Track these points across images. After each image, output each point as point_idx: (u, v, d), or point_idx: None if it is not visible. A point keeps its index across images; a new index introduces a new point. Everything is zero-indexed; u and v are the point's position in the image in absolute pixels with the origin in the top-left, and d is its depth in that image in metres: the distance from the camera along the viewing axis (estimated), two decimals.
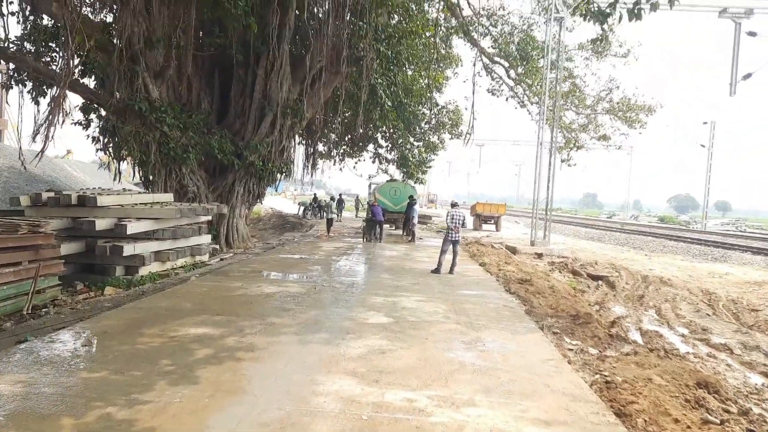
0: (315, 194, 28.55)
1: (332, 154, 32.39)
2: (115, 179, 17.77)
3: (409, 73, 23.11)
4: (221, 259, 13.74)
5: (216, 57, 17.21)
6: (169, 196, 14.01)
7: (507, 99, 23.90)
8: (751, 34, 19.20)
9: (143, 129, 14.14)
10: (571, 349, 6.11)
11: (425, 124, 30.05)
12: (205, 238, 13.49)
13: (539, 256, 18.44)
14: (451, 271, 11.55)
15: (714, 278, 15.05)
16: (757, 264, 18.31)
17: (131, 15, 12.46)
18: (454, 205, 11.92)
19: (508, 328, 6.86)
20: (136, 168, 16.31)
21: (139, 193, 14.00)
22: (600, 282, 13.51)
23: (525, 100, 23.48)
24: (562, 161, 25.35)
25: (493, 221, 31.10)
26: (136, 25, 13.00)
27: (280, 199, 61.25)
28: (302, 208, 33.15)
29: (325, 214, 20.70)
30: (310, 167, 27.47)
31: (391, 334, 6.24)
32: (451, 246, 11.66)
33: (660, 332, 8.09)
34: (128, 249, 10.41)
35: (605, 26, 9.56)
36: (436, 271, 11.53)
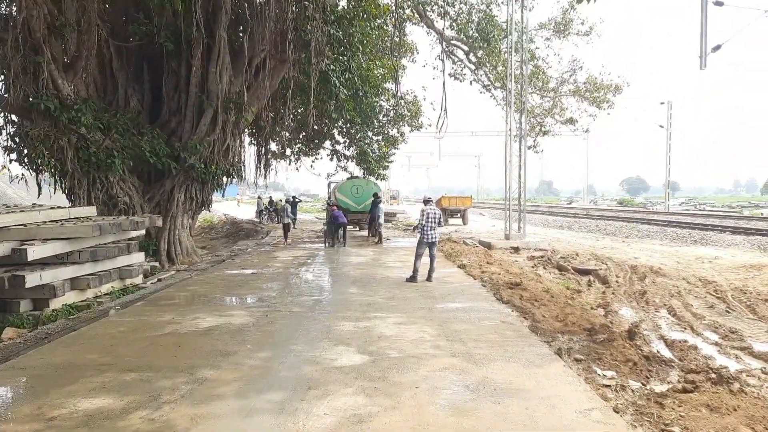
0: (271, 197, 26.47)
1: (286, 153, 30.38)
2: (40, 194, 15.40)
3: (363, 60, 21.44)
4: (158, 280, 11.73)
5: (144, 48, 15.07)
6: (91, 210, 11.88)
7: (471, 83, 22.55)
8: (718, 3, 18.43)
9: (54, 132, 11.93)
10: (609, 385, 4.59)
11: (383, 116, 28.44)
12: (137, 257, 11.44)
13: (516, 250, 17.12)
14: (429, 278, 9.96)
15: (705, 264, 14.05)
16: (742, 245, 17.55)
17: None
18: (427, 201, 10.34)
19: (517, 356, 5.29)
20: (57, 179, 14.01)
21: (52, 208, 11.78)
22: (590, 277, 12.22)
23: (488, 84, 22.15)
24: (529, 148, 24.20)
25: (459, 215, 29.89)
26: (34, 8, 10.81)
27: (240, 205, 58.49)
28: (257, 213, 30.97)
29: (279, 218, 18.68)
30: (262, 168, 25.28)
31: (369, 383, 4.55)
32: (427, 249, 10.06)
33: (688, 341, 6.72)
34: (33, 279, 8.38)
35: None
36: (412, 279, 9.91)
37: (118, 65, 14.80)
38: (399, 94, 27.45)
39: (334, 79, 16.20)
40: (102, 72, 14.85)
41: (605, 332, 6.18)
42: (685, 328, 7.51)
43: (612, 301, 9.42)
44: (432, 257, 10.08)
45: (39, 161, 12.54)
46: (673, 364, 5.52)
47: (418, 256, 10.00)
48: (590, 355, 5.38)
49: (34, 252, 8.45)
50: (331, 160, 30.06)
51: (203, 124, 15.25)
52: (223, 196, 18.72)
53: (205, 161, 15.11)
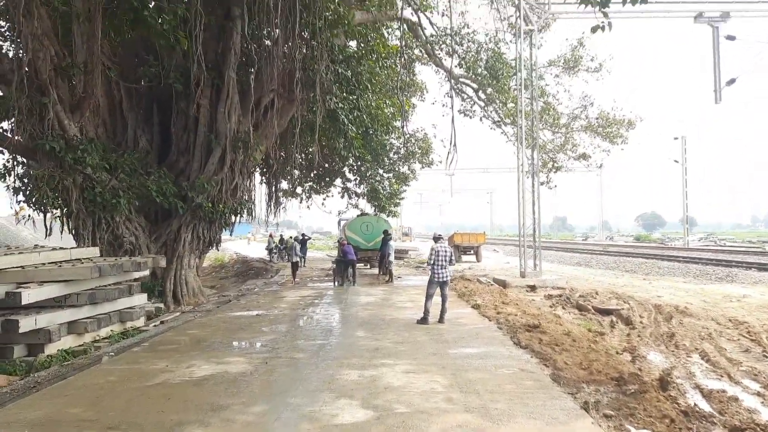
0: (281, 235, 26.22)
1: (297, 191, 30.34)
2: (49, 235, 15.25)
3: (373, 99, 21.49)
4: (161, 323, 11.32)
5: (154, 90, 15.17)
6: (93, 251, 11.63)
7: (480, 119, 22.42)
8: (730, 38, 18.24)
9: (59, 172, 11.82)
10: None
11: (394, 154, 28.41)
12: (139, 299, 11.09)
13: (533, 288, 16.48)
14: (441, 320, 9.42)
15: (733, 303, 13.30)
16: None
17: (33, 36, 10.30)
18: (437, 238, 9.90)
19: (539, 412, 4.75)
20: (63, 219, 13.85)
21: (53, 249, 11.54)
22: (612, 317, 11.56)
23: (499, 120, 21.99)
24: (542, 184, 23.81)
25: (472, 251, 29.31)
26: (41, 49, 10.86)
27: (250, 243, 58.34)
28: (268, 251, 30.64)
29: (289, 257, 18.33)
30: (273, 206, 25.07)
31: None
32: (438, 288, 9.57)
33: (727, 391, 6.09)
34: (27, 323, 8.07)
35: (605, 12, 7.89)
36: (423, 320, 9.38)
37: (128, 106, 14.88)
38: (408, 131, 27.45)
39: (343, 117, 16.11)
40: (112, 113, 14.93)
41: (635, 382, 5.61)
42: (722, 376, 6.87)
43: (638, 344, 8.78)
44: (444, 297, 9.58)
45: (44, 201, 12.42)
46: (714, 420, 4.92)
47: (428, 297, 9.50)
48: (621, 410, 4.82)
49: (29, 295, 8.13)
50: (342, 197, 29.93)
51: (211, 164, 15.14)
52: (230, 234, 18.41)
53: (213, 200, 14.93)
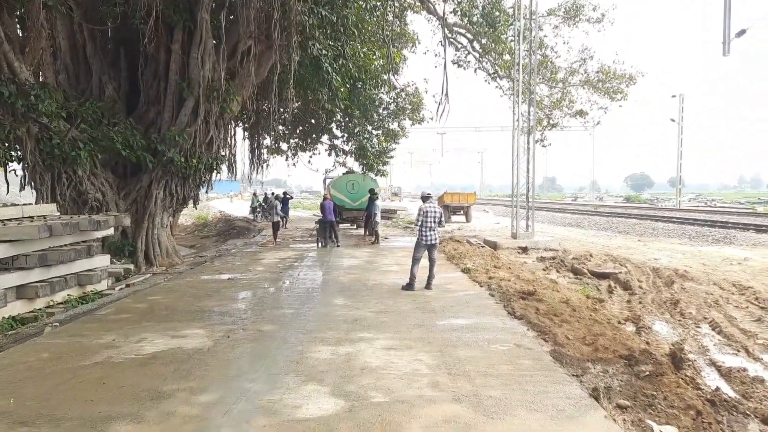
0: (266, 193, 25.12)
1: (281, 148, 29.12)
2: (21, 190, 14.12)
3: (362, 49, 20.11)
4: (127, 286, 10.48)
5: (120, 32, 13.86)
6: (50, 208, 10.62)
7: (475, 71, 21.13)
8: None
9: (10, 121, 10.66)
10: None
11: (383, 110, 27.16)
12: (101, 261, 10.18)
13: (524, 250, 15.80)
14: (428, 286, 8.65)
15: (734, 266, 12.69)
16: None
17: None
18: (426, 198, 9.02)
19: (542, 401, 3.99)
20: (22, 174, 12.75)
21: (4, 206, 10.52)
22: (610, 282, 10.89)
23: (494, 72, 20.76)
24: (536, 142, 22.85)
25: (462, 212, 28.61)
26: None
27: (233, 201, 57.17)
28: (252, 210, 29.63)
29: (270, 216, 17.33)
30: (255, 163, 23.90)
31: None
32: (426, 252, 8.76)
33: (747, 370, 5.40)
34: None
35: None
36: (409, 286, 8.60)
37: (92, 50, 13.56)
38: (399, 85, 26.16)
39: (327, 65, 14.88)
40: (74, 58, 13.63)
41: (648, 361, 4.87)
42: (738, 350, 6.19)
43: (641, 312, 8.09)
44: (432, 261, 8.78)
45: None
46: (742, 408, 4.21)
47: (415, 261, 8.70)
48: (637, 399, 4.07)
49: None
50: (329, 155, 28.83)
51: (184, 115, 14.01)
52: (207, 192, 17.30)
53: (186, 154, 13.86)
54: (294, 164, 30.28)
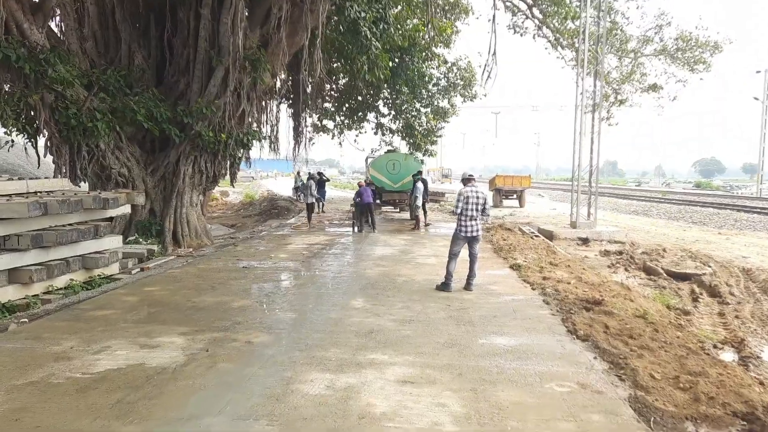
0: (310, 173, 24.11)
1: (325, 125, 28.02)
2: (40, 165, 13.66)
3: (409, 16, 18.48)
4: (141, 270, 9.62)
5: None
6: (61, 183, 9.93)
7: (534, 37, 19.04)
8: None
9: (21, 88, 9.92)
10: None
11: (433, 86, 25.44)
12: (111, 242, 9.32)
13: (585, 241, 13.98)
14: (467, 286, 7.20)
15: None
16: None
17: None
18: (467, 180, 7.50)
19: None
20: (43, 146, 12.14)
21: (10, 179, 9.83)
22: (692, 285, 9.06)
23: (555, 40, 18.60)
24: (602, 120, 20.56)
25: (515, 196, 26.63)
26: None
27: (276, 179, 56.95)
28: (294, 189, 28.79)
29: (304, 197, 16.16)
30: (298, 140, 22.80)
31: None
32: (465, 245, 7.29)
33: None
34: None
35: None
36: (444, 286, 7.18)
37: (120, 16, 12.77)
38: (451, 60, 24.35)
39: (365, 29, 13.40)
40: (103, 24, 12.87)
41: None
42: None
43: (741, 331, 6.34)
44: (473, 257, 7.29)
45: (6, 122, 10.64)
46: None
47: (452, 256, 7.25)
48: None
49: None
50: (375, 133, 27.48)
51: (213, 85, 13.06)
52: (253, 169, 16.15)
53: (215, 128, 12.91)
54: (340, 143, 29.19)
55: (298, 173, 27.32)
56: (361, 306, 6.28)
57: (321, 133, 28.32)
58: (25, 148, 12.10)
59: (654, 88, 19.94)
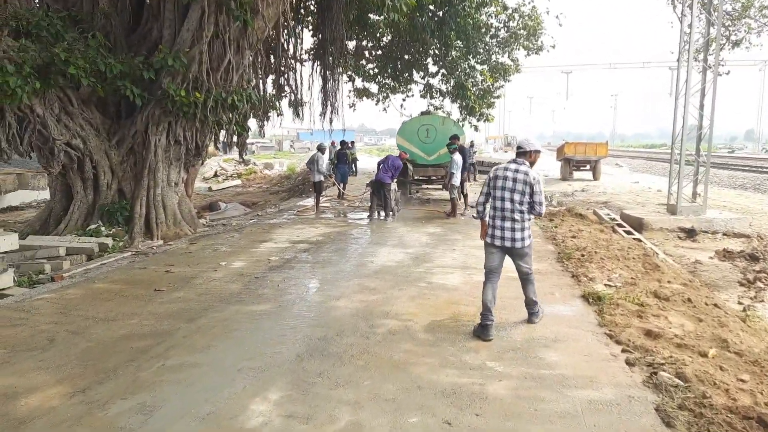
0: (343, 141, 20.80)
1: (370, 89, 24.67)
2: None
3: None
4: (52, 279, 6.94)
5: None
6: None
7: None
8: None
9: None
10: None
11: (491, 38, 21.30)
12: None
13: (690, 234, 10.00)
14: (530, 319, 3.77)
15: None
16: None
17: None
18: (522, 152, 3.95)
19: None
20: None
21: None
22: None
23: None
24: (709, 68, 15.87)
25: (589, 167, 22.25)
26: None
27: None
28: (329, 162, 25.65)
29: (311, 174, 12.67)
30: (327, 106, 19.33)
31: None
32: (500, 260, 3.88)
33: None
34: None
35: None
36: (481, 330, 3.82)
37: None
38: (513, 5, 20.20)
39: None
40: None
41: None
42: None
43: None
44: (523, 279, 3.89)
45: None
46: None
47: (487, 275, 3.88)
48: None
49: None
50: (423, 96, 23.77)
51: (186, 30, 10.22)
52: (245, 139, 12.88)
53: (188, 86, 10.04)
54: (385, 109, 25.75)
55: (332, 144, 24.10)
56: (260, 422, 3.02)
57: (363, 97, 25.11)
58: None
59: None
